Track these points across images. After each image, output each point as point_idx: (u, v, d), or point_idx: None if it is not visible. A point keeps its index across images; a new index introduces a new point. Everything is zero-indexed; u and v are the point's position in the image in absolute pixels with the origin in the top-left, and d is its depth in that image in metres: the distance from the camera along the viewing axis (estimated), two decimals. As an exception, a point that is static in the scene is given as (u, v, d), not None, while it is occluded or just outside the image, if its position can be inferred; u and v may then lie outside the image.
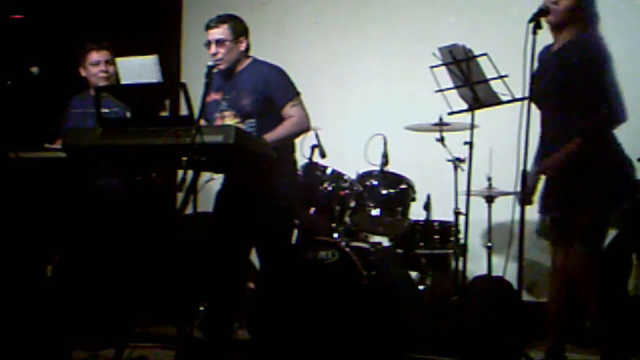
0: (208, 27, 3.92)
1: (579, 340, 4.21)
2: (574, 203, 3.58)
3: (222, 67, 3.90)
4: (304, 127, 3.98)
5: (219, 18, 3.93)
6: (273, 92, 3.89)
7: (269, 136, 3.79)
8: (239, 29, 3.92)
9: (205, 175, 4.05)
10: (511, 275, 3.96)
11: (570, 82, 3.56)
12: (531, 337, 3.87)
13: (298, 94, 3.94)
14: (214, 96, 3.97)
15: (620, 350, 3.62)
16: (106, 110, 3.94)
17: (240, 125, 3.82)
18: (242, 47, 3.94)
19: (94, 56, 4.48)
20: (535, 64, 3.56)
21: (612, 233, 4.07)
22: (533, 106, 3.50)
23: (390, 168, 4.68)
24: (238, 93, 3.92)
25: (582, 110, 3.55)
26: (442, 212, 4.84)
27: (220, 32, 3.89)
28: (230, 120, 3.93)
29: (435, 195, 4.90)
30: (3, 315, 3.94)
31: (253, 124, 3.88)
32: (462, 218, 4.38)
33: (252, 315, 4.16)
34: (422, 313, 4.48)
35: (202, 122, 3.91)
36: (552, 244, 3.79)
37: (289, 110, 3.89)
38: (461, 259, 4.46)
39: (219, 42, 3.89)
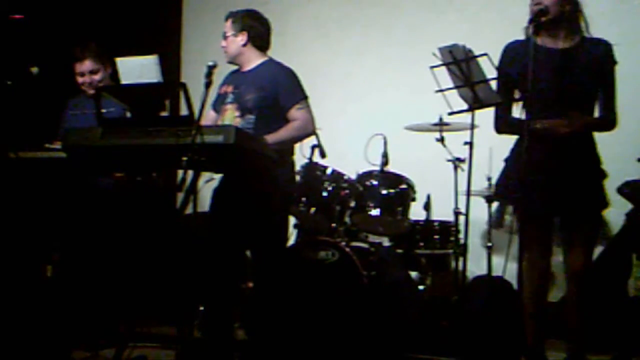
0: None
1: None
2: (599, 205, 3.60)
3: (226, 59, 4.06)
4: (308, 132, 4.02)
5: (228, 13, 4.12)
6: (280, 93, 3.94)
7: (271, 137, 3.80)
8: (241, 24, 4.06)
9: (205, 175, 4.05)
10: (511, 275, 3.95)
11: (597, 82, 3.58)
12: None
13: (305, 97, 3.99)
14: (226, 89, 4.09)
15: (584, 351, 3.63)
16: (104, 111, 3.94)
17: (239, 120, 3.91)
18: (241, 41, 4.04)
19: (77, 67, 4.49)
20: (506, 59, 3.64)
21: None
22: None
23: (390, 168, 4.68)
24: (245, 88, 4.00)
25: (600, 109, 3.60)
26: (442, 212, 4.84)
27: (225, 25, 4.08)
28: (231, 113, 4.00)
29: (435, 195, 4.90)
30: (3, 315, 3.94)
31: (252, 120, 3.92)
32: (462, 218, 4.38)
33: (252, 316, 4.16)
34: (422, 313, 4.48)
35: (213, 114, 4.08)
36: (531, 243, 3.68)
37: (295, 113, 3.94)
38: (461, 259, 4.45)
39: (224, 36, 4.07)
